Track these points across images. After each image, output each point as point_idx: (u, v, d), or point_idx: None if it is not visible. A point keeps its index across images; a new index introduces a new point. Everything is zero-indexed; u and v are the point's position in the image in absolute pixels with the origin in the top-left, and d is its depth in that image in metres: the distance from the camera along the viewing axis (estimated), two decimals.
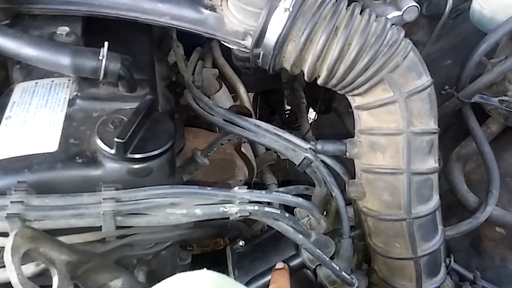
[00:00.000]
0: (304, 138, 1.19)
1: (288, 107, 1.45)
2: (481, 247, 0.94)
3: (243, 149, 1.01)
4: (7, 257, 0.44)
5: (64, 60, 0.58)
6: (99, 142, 0.54)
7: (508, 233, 0.91)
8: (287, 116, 1.48)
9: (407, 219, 0.65)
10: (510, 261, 0.90)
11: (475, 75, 0.84)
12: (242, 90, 1.07)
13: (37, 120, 0.60)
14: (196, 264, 0.87)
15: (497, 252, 0.92)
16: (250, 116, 0.90)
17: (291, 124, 1.44)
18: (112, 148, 0.53)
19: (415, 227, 0.65)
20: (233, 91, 1.08)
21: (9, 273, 0.44)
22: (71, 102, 0.61)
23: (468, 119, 0.86)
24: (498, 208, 0.85)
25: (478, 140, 0.86)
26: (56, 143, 0.56)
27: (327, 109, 1.37)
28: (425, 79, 0.64)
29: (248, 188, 0.59)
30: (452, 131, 1.06)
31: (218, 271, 0.81)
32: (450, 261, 0.84)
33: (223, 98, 1.08)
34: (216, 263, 0.83)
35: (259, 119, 1.46)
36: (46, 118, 0.60)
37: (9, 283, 0.45)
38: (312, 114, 1.42)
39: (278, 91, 1.37)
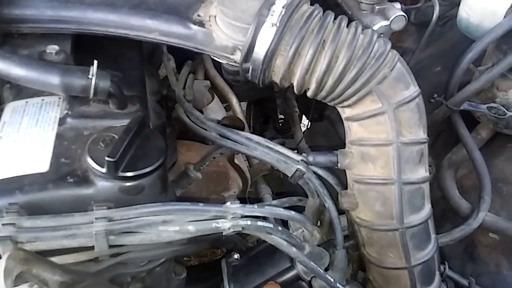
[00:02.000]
0: (297, 147, 1.20)
1: (282, 116, 1.45)
2: (475, 253, 0.94)
3: (236, 160, 1.01)
4: (0, 280, 0.44)
5: (54, 79, 0.58)
6: (90, 161, 0.54)
7: (502, 238, 0.91)
8: (280, 124, 1.48)
9: (400, 229, 0.65)
10: (505, 266, 0.91)
11: (464, 82, 0.85)
12: (234, 101, 1.08)
13: (28, 140, 0.60)
14: (193, 275, 0.87)
15: (491, 258, 0.92)
16: (243, 127, 0.91)
17: (285, 133, 1.44)
18: (103, 167, 0.53)
19: (407, 237, 0.66)
20: (225, 101, 1.09)
21: None
22: (61, 121, 0.61)
23: (457, 126, 0.87)
24: (491, 214, 0.86)
25: (468, 147, 0.87)
26: (47, 163, 0.56)
27: (320, 117, 1.38)
28: (413, 89, 0.65)
29: (242, 200, 0.59)
30: (443, 137, 1.06)
31: (214, 283, 0.81)
32: (444, 268, 0.84)
33: (216, 109, 1.08)
34: (212, 274, 0.83)
35: (253, 128, 1.47)
36: (37, 138, 0.60)
37: None
38: (306, 122, 1.42)
39: (271, 99, 1.37)
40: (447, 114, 0.88)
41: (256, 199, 1.04)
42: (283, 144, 1.37)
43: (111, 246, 0.52)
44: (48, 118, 0.63)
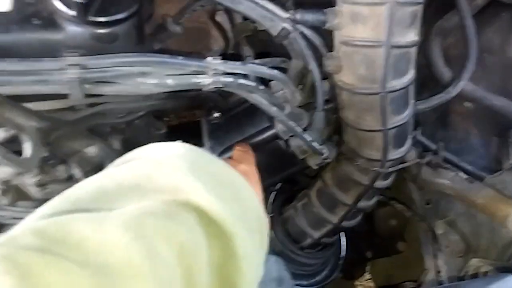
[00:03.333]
0: (284, 4, 1.13)
1: None
2: (448, 120, 0.97)
3: (218, 18, 0.95)
4: None
5: None
6: (56, 3, 0.49)
7: (476, 107, 0.93)
8: None
9: (381, 93, 0.65)
10: (473, 133, 0.95)
11: None
12: None
13: None
14: (172, 134, 0.88)
15: (462, 125, 0.96)
16: None
17: None
18: (72, 9, 0.48)
19: (387, 101, 0.66)
20: None
21: None
22: None
23: None
24: (470, 83, 0.86)
25: (463, 13, 0.83)
26: (9, 1, 0.50)
27: None
28: None
29: (223, 59, 0.57)
30: (436, 2, 1.01)
31: (193, 143, 0.83)
32: (416, 134, 0.87)
33: None
34: (192, 134, 0.85)
35: None
36: None
37: None
38: None
39: None
40: None
41: (238, 60, 1.01)
42: None
43: (86, 96, 0.50)
44: None
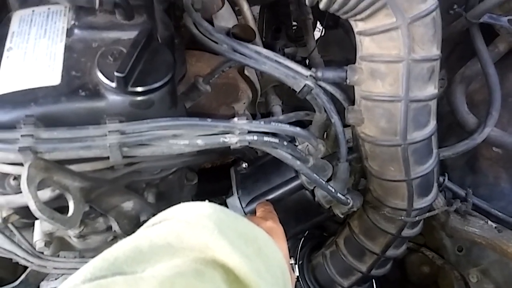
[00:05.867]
0: (309, 57, 1.18)
1: (295, 22, 1.40)
2: (476, 166, 0.97)
3: (246, 71, 1.01)
4: (24, 187, 0.48)
5: None
6: (100, 76, 0.55)
7: (504, 152, 0.93)
8: (294, 31, 1.43)
9: (402, 145, 0.67)
10: (503, 179, 0.94)
11: None
12: (245, 7, 1.04)
13: (37, 51, 0.60)
14: (205, 176, 0.92)
15: (491, 171, 0.95)
16: (254, 37, 0.89)
17: (298, 41, 1.40)
18: (113, 82, 0.54)
19: (409, 152, 0.68)
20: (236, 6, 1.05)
21: (27, 201, 0.48)
22: (69, 32, 0.61)
23: (475, 39, 0.84)
24: (496, 129, 0.87)
25: (483, 61, 0.85)
26: (58, 75, 0.57)
27: (335, 25, 1.33)
28: (431, 2, 0.61)
29: (251, 115, 0.60)
30: (458, 50, 1.03)
31: (224, 185, 0.86)
32: (444, 180, 0.88)
33: (226, 16, 1.04)
34: (222, 177, 0.88)
35: (265, 34, 1.42)
36: (46, 49, 0.60)
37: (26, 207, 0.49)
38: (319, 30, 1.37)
39: (285, 4, 1.32)
40: (465, 26, 0.85)
41: (266, 111, 1.06)
42: (294, 55, 1.35)
43: (125, 157, 0.55)
44: (55, 28, 0.63)
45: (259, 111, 1.13)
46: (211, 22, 0.98)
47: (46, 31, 0.62)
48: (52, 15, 0.64)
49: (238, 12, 1.06)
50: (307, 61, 1.23)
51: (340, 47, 1.38)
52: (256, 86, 1.03)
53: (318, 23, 1.37)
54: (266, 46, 0.86)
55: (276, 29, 1.42)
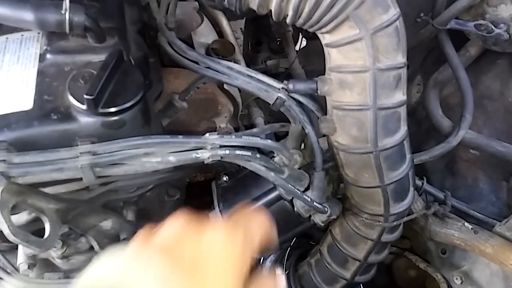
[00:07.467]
0: (290, 68, 1.19)
1: None
2: (455, 168, 0.99)
3: (226, 86, 1.02)
4: None
5: (27, 16, 0.58)
6: (71, 99, 0.56)
7: (481, 154, 0.95)
8: (278, 43, 1.45)
9: (374, 152, 0.68)
10: (481, 180, 0.95)
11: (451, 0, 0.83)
12: (224, 22, 1.06)
13: (10, 77, 0.61)
14: (189, 194, 0.93)
15: (469, 172, 0.97)
16: (233, 51, 0.91)
17: (281, 52, 1.42)
18: (83, 104, 0.55)
19: (381, 159, 0.69)
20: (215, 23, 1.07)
21: (1, 225, 0.49)
22: (42, 57, 0.62)
23: (444, 45, 0.86)
24: (471, 132, 0.89)
25: (454, 66, 0.87)
26: (31, 100, 0.58)
27: (315, 35, 1.34)
28: (393, 12, 0.63)
29: (235, 125, 0.61)
30: (433, 55, 1.05)
31: (207, 201, 0.87)
32: (422, 183, 0.89)
33: (206, 32, 1.06)
34: (205, 193, 0.90)
35: (251, 48, 1.43)
36: (19, 75, 0.61)
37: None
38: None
39: (267, 17, 1.33)
40: (434, 33, 0.87)
41: (249, 123, 1.07)
42: (277, 66, 1.36)
43: (98, 177, 0.56)
44: (28, 54, 0.64)
45: (242, 123, 1.14)
46: (190, 39, 1.00)
47: (19, 57, 0.64)
48: (25, 41, 0.66)
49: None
50: (290, 72, 1.25)
51: (321, 57, 1.40)
52: (237, 100, 1.04)
53: None
54: (248, 59, 0.87)
55: (257, 42, 1.44)
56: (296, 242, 1.03)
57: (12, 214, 0.51)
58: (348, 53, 0.65)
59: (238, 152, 0.61)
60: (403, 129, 0.71)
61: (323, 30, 0.65)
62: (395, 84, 0.67)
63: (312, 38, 1.35)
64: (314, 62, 1.43)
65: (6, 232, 0.49)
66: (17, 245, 0.77)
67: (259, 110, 1.09)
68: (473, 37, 0.91)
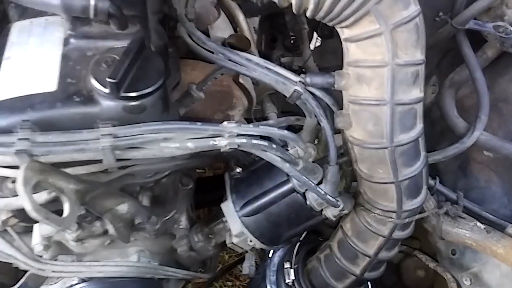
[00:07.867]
0: (304, 66, 1.20)
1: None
2: (468, 169, 0.98)
3: (241, 79, 1.03)
4: (20, 188, 0.50)
5: (54, 0, 0.60)
6: (94, 82, 0.57)
7: (495, 156, 0.94)
8: (292, 41, 1.46)
9: (389, 147, 0.68)
10: (494, 182, 0.95)
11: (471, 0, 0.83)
12: (241, 17, 1.06)
13: (35, 60, 0.63)
14: (205, 185, 0.94)
15: (483, 174, 0.96)
16: (249, 46, 0.91)
17: (295, 50, 1.43)
18: (106, 87, 0.56)
19: (396, 154, 0.69)
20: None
21: (23, 202, 0.50)
22: (66, 42, 0.64)
23: (462, 45, 0.86)
24: (486, 133, 0.88)
25: (471, 67, 0.87)
26: (55, 82, 0.59)
27: (330, 34, 1.35)
28: (413, 9, 0.64)
29: (248, 118, 0.62)
30: (450, 56, 1.05)
31: (219, 195, 0.88)
32: (435, 183, 0.89)
33: (222, 27, 1.07)
34: (218, 186, 0.91)
35: (265, 45, 1.45)
36: (43, 58, 0.63)
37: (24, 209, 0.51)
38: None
39: (282, 14, 1.34)
40: (452, 33, 0.87)
41: (263, 118, 1.08)
42: (291, 64, 1.37)
43: (117, 160, 0.57)
44: (53, 38, 0.65)
45: (255, 118, 1.15)
46: (206, 33, 1.01)
47: (43, 41, 0.65)
48: (50, 25, 0.67)
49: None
50: (303, 70, 1.25)
51: (335, 56, 1.41)
52: (251, 94, 1.05)
53: None
54: (262, 55, 0.88)
55: (272, 39, 1.45)
56: (305, 237, 1.03)
57: (33, 193, 0.52)
58: (367, 48, 0.65)
59: (254, 141, 0.62)
60: (419, 126, 0.71)
61: (343, 24, 0.65)
62: (412, 80, 0.67)
63: (327, 36, 1.37)
64: (328, 60, 1.43)
65: (28, 208, 0.50)
66: (31, 228, 0.78)
67: (273, 106, 1.09)
68: (491, 38, 0.91)
